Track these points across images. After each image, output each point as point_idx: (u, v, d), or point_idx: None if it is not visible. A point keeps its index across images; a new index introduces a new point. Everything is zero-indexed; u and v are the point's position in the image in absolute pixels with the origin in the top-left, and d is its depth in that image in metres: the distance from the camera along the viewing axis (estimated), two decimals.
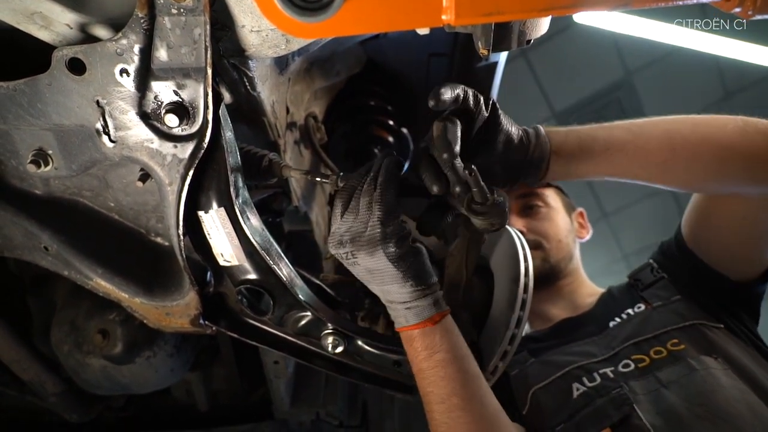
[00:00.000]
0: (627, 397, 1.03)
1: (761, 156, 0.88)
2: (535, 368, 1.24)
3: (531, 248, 1.43)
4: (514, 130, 0.88)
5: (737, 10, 0.51)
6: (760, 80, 4.40)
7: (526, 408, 1.18)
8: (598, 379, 1.11)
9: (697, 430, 0.93)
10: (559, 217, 1.53)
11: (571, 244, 1.52)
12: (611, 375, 1.10)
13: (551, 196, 1.57)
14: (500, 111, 0.87)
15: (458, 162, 0.77)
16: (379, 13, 0.51)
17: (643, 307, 1.24)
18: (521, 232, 1.45)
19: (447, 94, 0.76)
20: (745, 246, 1.11)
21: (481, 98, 0.84)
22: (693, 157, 0.90)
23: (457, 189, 0.77)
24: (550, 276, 1.46)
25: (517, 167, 0.89)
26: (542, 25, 0.70)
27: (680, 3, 0.49)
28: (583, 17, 4.04)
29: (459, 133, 0.78)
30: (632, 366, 1.10)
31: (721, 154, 0.89)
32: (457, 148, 0.76)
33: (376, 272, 0.79)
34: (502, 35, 0.67)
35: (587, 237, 1.61)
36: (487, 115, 0.85)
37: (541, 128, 0.92)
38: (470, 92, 0.82)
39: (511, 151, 0.87)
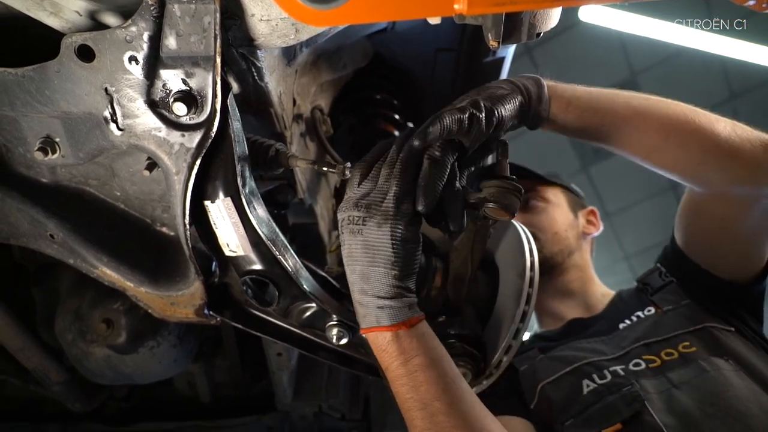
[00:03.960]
0: (638, 394, 1.03)
1: (741, 158, 0.93)
2: (544, 363, 1.24)
3: None
4: (511, 117, 0.85)
5: (751, 2, 0.51)
6: (765, 81, 4.38)
7: (534, 402, 1.18)
8: (609, 377, 1.11)
9: (708, 428, 0.93)
10: (558, 212, 1.54)
11: (572, 239, 1.52)
12: (622, 373, 1.10)
13: (552, 192, 1.58)
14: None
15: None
16: (391, 0, 0.51)
17: (653, 310, 1.25)
18: None
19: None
20: (732, 247, 1.12)
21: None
22: (682, 145, 0.95)
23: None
24: (545, 266, 1.44)
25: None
26: (552, 18, 0.70)
27: None
28: (588, 15, 4.02)
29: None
30: (643, 365, 1.10)
31: (706, 148, 0.94)
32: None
33: (372, 249, 0.74)
34: (512, 27, 0.67)
35: (595, 234, 1.61)
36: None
37: (545, 101, 0.88)
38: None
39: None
